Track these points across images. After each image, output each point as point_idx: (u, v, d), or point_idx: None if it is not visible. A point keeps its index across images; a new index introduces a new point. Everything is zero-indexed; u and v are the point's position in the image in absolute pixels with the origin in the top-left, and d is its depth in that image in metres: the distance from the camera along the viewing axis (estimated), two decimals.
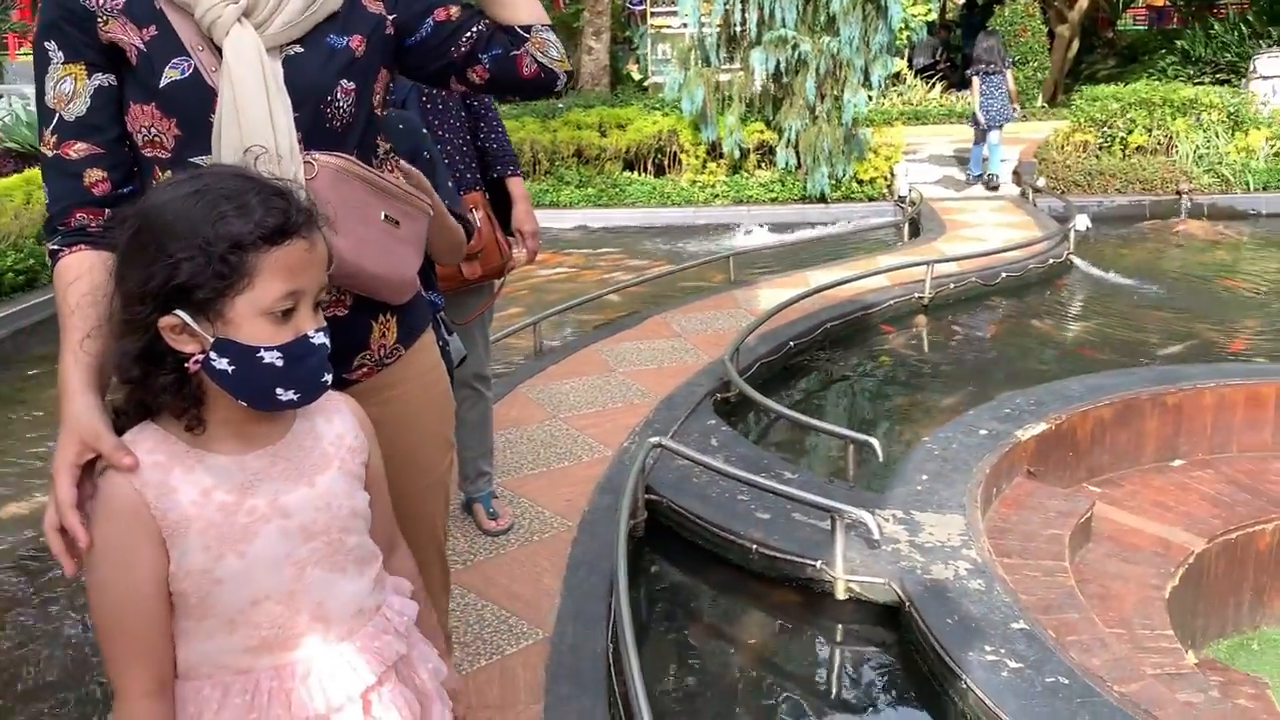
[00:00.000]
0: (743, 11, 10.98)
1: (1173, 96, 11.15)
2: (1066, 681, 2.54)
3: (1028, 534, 3.54)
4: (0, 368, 6.35)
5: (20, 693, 2.96)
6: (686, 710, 2.82)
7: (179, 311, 1.17)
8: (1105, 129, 11.22)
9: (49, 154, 1.45)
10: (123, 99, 1.45)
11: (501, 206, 3.29)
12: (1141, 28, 21.11)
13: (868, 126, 11.22)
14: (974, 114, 10.88)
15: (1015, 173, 11.26)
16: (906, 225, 9.85)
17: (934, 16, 16.80)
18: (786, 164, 11.01)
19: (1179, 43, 15.45)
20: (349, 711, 1.27)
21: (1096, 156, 11.04)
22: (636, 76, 16.44)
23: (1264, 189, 10.43)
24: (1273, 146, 10.86)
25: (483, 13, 1.62)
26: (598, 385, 4.95)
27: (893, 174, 11.18)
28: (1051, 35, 16.07)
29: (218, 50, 1.41)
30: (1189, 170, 10.55)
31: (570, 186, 11.31)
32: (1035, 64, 15.56)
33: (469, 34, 1.60)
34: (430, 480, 1.75)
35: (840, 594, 3.12)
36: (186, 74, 1.42)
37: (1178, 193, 10.30)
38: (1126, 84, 12.41)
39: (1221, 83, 13.29)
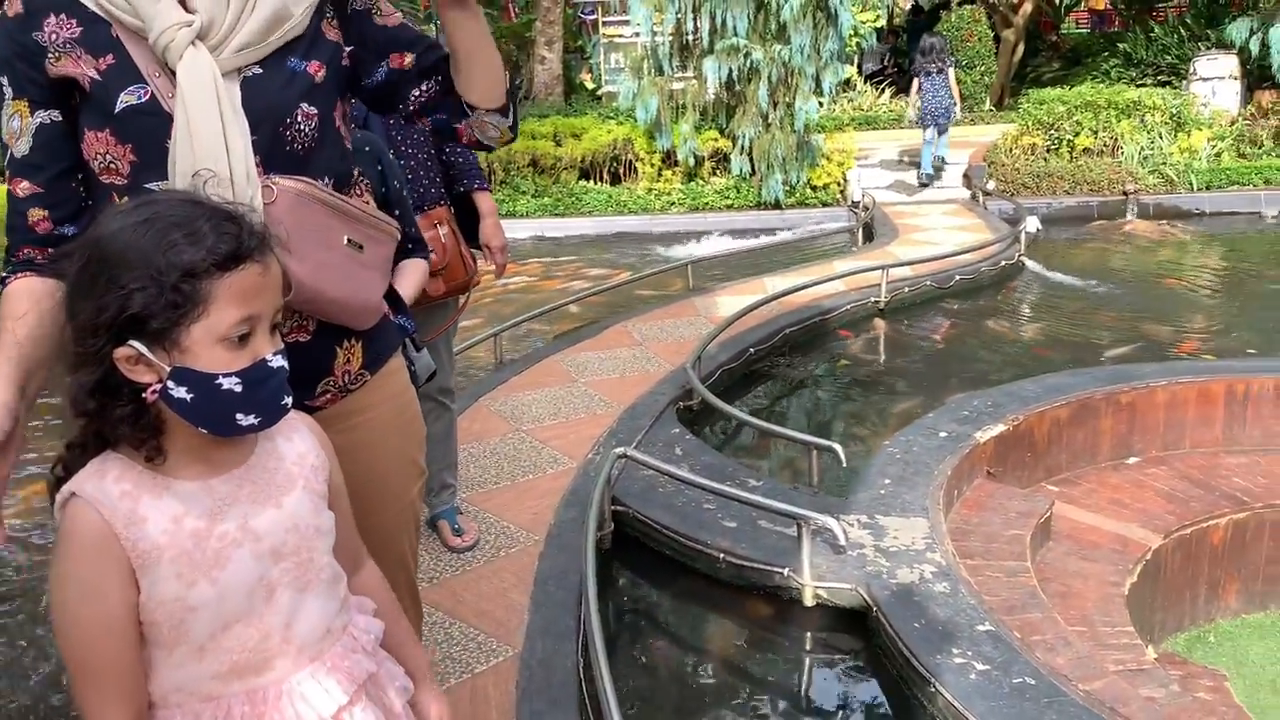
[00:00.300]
0: (694, 20, 11.05)
1: (1117, 99, 11.38)
2: (1033, 682, 2.57)
3: (989, 535, 3.58)
4: None
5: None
6: None
7: (134, 342, 1.15)
8: (1052, 131, 11.42)
9: (6, 187, 1.47)
10: (73, 131, 1.45)
11: (468, 221, 3.27)
12: (1084, 31, 21.47)
13: (820, 133, 11.33)
14: (917, 113, 11.07)
15: (965, 175, 11.43)
16: (860, 230, 9.96)
17: (882, 23, 16.99)
18: (741, 171, 11.08)
19: (1121, 45, 15.73)
20: None
21: (1044, 159, 11.24)
22: (590, 86, 16.45)
23: (1207, 188, 10.68)
24: (1214, 147, 11.12)
25: (436, 66, 1.62)
26: (560, 396, 4.94)
27: (846, 179, 11.29)
28: (997, 39, 16.32)
29: (174, 75, 1.40)
30: (1134, 171, 10.77)
31: (526, 196, 11.30)
32: (982, 68, 15.79)
33: (420, 91, 1.62)
34: (399, 506, 1.72)
35: (808, 601, 3.13)
36: (143, 100, 1.41)
37: (1124, 193, 10.51)
38: (1071, 87, 12.64)
39: (1163, 84, 13.56)
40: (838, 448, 3.77)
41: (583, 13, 17.34)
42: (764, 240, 10.03)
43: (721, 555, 3.34)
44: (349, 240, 1.52)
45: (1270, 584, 3.99)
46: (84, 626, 1.18)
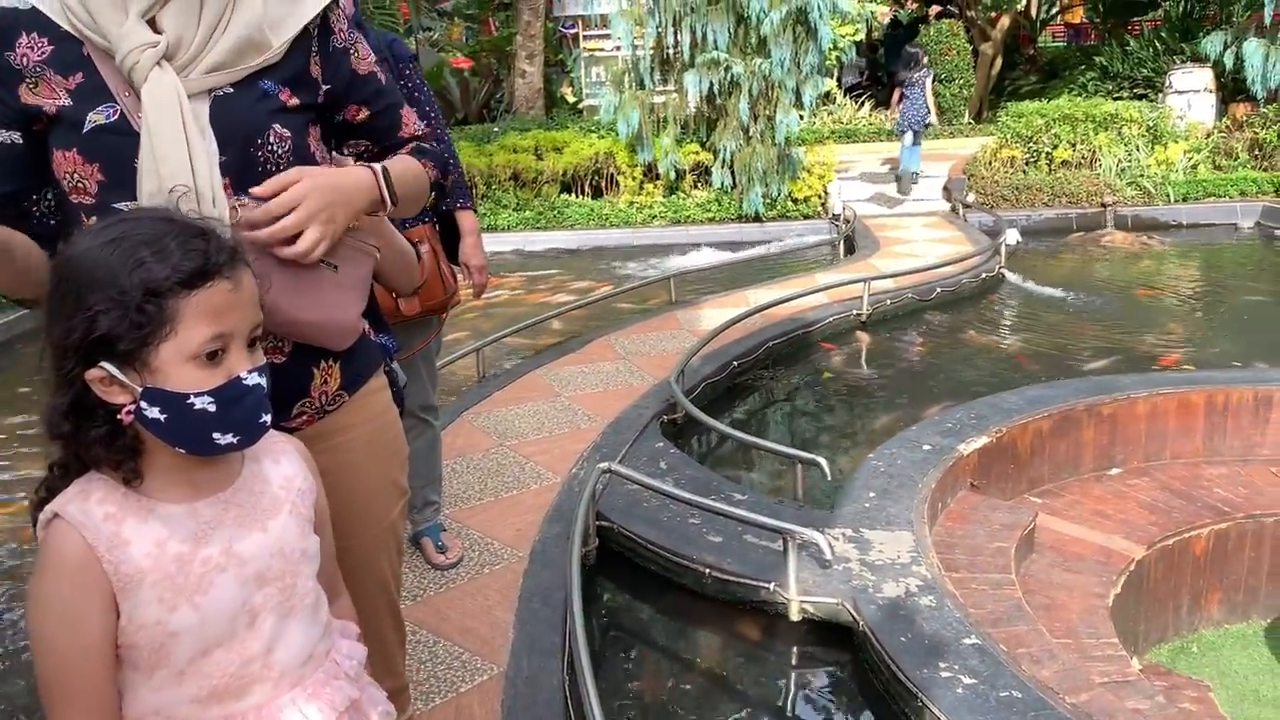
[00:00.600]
0: (675, 34, 11.09)
1: (1094, 112, 11.48)
2: (1020, 695, 2.57)
3: (974, 548, 3.59)
4: None
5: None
6: None
7: (104, 364, 1.14)
8: (1031, 144, 11.52)
9: None
10: (33, 155, 1.44)
11: (452, 239, 3.26)
12: (1061, 44, 21.71)
13: (800, 146, 11.38)
14: (895, 122, 11.66)
15: (945, 188, 11.51)
16: (842, 243, 9.99)
17: (862, 37, 17.10)
18: (722, 184, 11.12)
19: (1097, 59, 15.91)
20: None
21: (1023, 171, 11.33)
22: (571, 99, 16.48)
23: (1184, 200, 10.78)
24: (1190, 159, 11.24)
25: (385, 132, 1.68)
26: (543, 410, 4.92)
27: (826, 192, 11.34)
28: (976, 53, 16.47)
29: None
30: (1112, 183, 10.87)
31: (508, 210, 11.29)
32: (960, 81, 15.93)
33: (356, 143, 1.67)
34: (380, 529, 1.70)
35: (794, 615, 3.13)
36: (112, 119, 1.40)
37: (1102, 205, 10.60)
38: (1049, 100, 12.76)
39: (1139, 97, 13.72)
40: (822, 461, 3.77)
41: (563, 26, 17.38)
42: (746, 253, 10.06)
43: (707, 570, 3.33)
44: (324, 261, 1.50)
45: (1252, 594, 4.01)
46: (59, 650, 1.16)
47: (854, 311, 6.90)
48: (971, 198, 10.86)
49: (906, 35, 17.75)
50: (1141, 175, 10.98)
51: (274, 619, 1.25)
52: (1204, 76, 12.70)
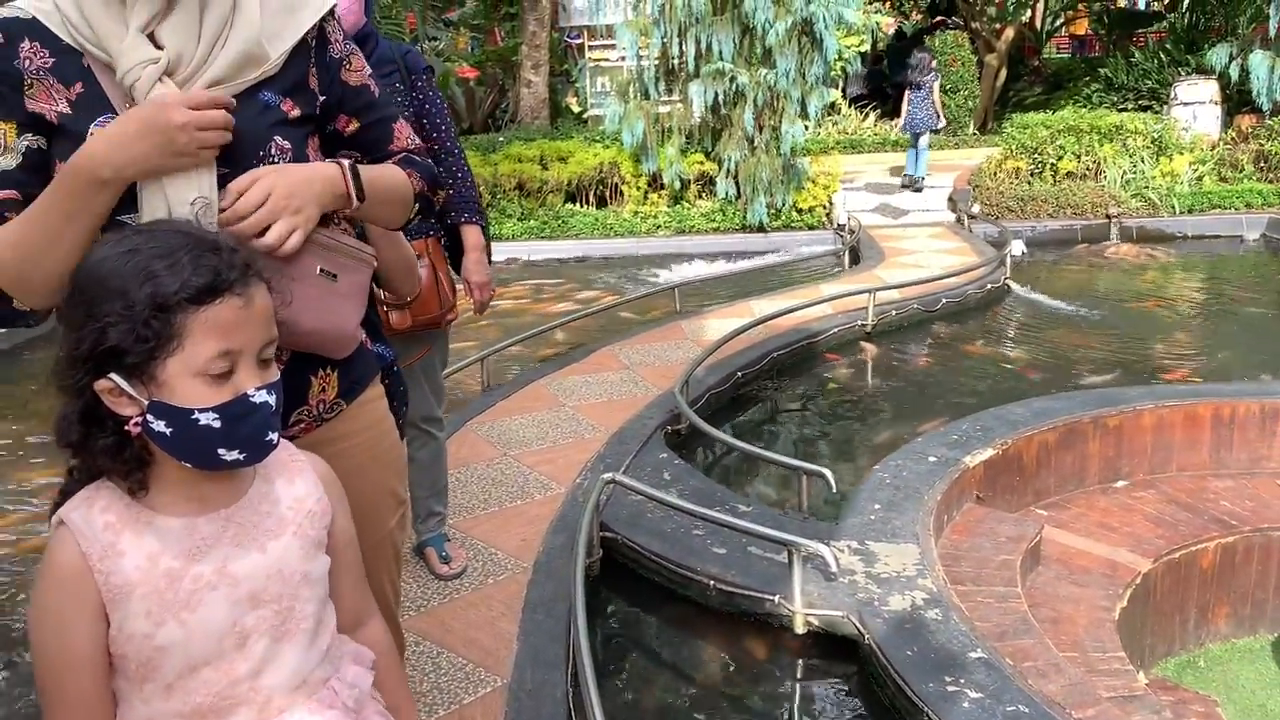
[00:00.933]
0: (680, 45, 11.10)
1: (1099, 123, 11.48)
2: (1026, 710, 2.55)
3: (980, 560, 3.57)
4: None
5: None
6: None
7: (112, 375, 1.14)
8: (1036, 155, 11.51)
9: None
10: (50, 160, 1.42)
11: (460, 254, 3.24)
12: (1065, 56, 21.74)
13: (805, 156, 11.38)
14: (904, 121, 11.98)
15: (950, 199, 11.51)
16: (846, 253, 9.99)
17: (867, 48, 17.12)
18: (727, 194, 11.12)
19: (1102, 70, 15.91)
20: None
21: (1028, 182, 11.32)
22: (576, 109, 16.49)
23: (1189, 212, 10.76)
24: (1195, 171, 11.22)
25: (373, 144, 1.67)
26: (547, 420, 4.91)
27: (831, 202, 11.34)
28: (980, 64, 16.48)
29: None
30: (1117, 195, 10.86)
31: (512, 219, 11.30)
32: (965, 92, 15.92)
33: (350, 156, 1.65)
34: (377, 538, 1.69)
35: (799, 628, 3.11)
36: None
37: (1108, 216, 10.59)
38: (1054, 111, 12.75)
39: (1144, 109, 13.70)
40: (827, 473, 3.76)
41: (569, 36, 17.41)
42: (751, 263, 10.06)
43: (711, 582, 3.32)
44: (322, 270, 1.50)
45: (1259, 608, 3.99)
46: (52, 658, 1.17)
47: (859, 322, 6.89)
48: (976, 209, 10.86)
49: (910, 46, 17.77)
50: (1146, 187, 10.97)
51: (266, 642, 1.23)
52: (1209, 88, 12.69)
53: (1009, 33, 16.46)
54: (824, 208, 11.30)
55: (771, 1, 10.43)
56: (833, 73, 12.82)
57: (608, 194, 11.69)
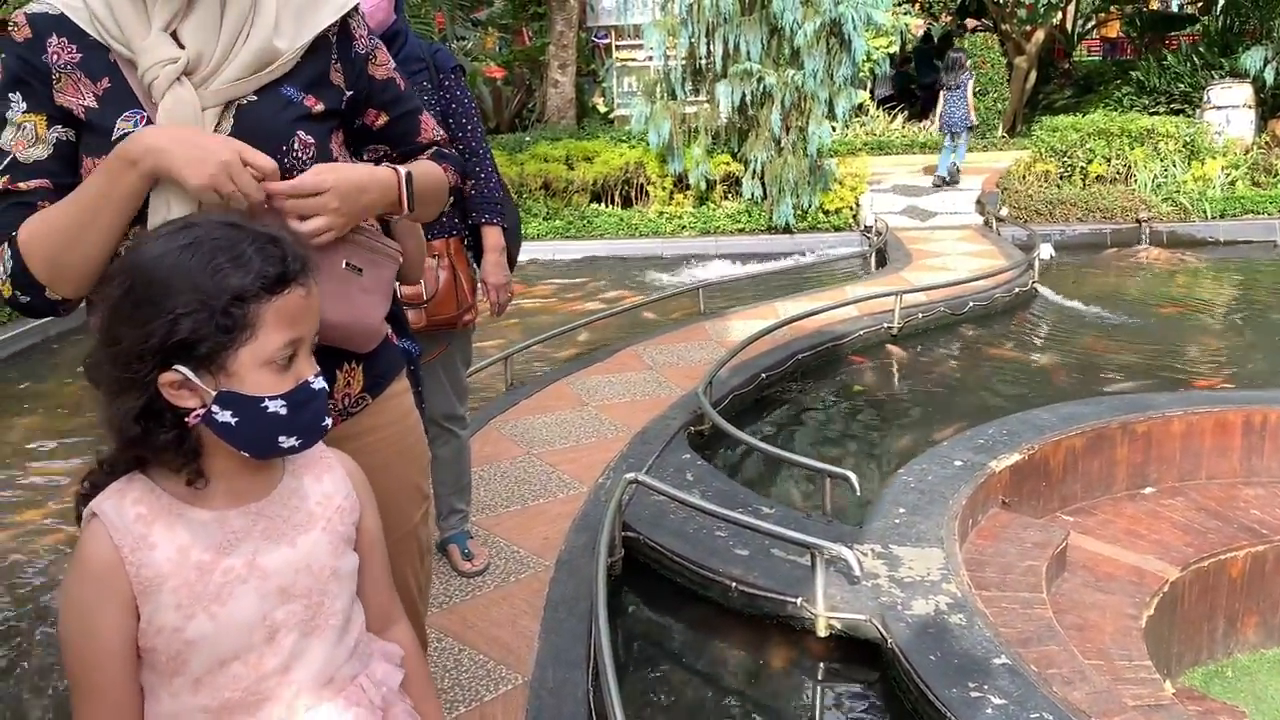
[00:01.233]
0: (708, 45, 11.09)
1: (1130, 126, 11.36)
2: (1051, 717, 2.53)
3: (1005, 566, 3.54)
4: None
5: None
6: None
7: (179, 367, 1.14)
8: (1065, 158, 11.41)
9: None
10: (78, 154, 1.44)
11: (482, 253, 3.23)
12: (1096, 58, 21.52)
13: (832, 157, 11.35)
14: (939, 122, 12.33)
15: (979, 201, 11.43)
16: (873, 255, 9.94)
17: (895, 49, 17.04)
18: (752, 195, 11.10)
19: (1134, 73, 15.74)
20: None
21: (1057, 186, 11.23)
22: (603, 109, 16.51)
23: (1220, 217, 10.64)
24: (1228, 175, 11.09)
25: (401, 138, 1.70)
26: (571, 420, 4.92)
27: (858, 204, 11.29)
28: (1010, 67, 16.35)
29: None
30: (1148, 199, 10.74)
31: (538, 219, 11.32)
32: (995, 95, 15.80)
33: (374, 150, 1.68)
34: (401, 533, 1.69)
35: (821, 631, 3.10)
36: (140, 126, 1.41)
37: (1138, 221, 10.48)
38: (1084, 114, 12.64)
39: (1176, 112, 13.55)
40: (851, 476, 3.73)
41: (596, 36, 17.43)
42: (777, 264, 10.03)
43: (733, 584, 3.31)
44: (347, 264, 1.52)
45: None
46: (80, 652, 1.18)
47: (885, 325, 6.85)
48: (1005, 211, 10.77)
49: (939, 49, 17.68)
50: (1178, 191, 10.84)
51: (295, 636, 1.23)
52: (1243, 92, 12.54)
53: (1039, 35, 16.32)
54: (851, 209, 11.25)
55: (800, 2, 10.41)
56: (860, 74, 12.78)
57: (633, 194, 11.69)
